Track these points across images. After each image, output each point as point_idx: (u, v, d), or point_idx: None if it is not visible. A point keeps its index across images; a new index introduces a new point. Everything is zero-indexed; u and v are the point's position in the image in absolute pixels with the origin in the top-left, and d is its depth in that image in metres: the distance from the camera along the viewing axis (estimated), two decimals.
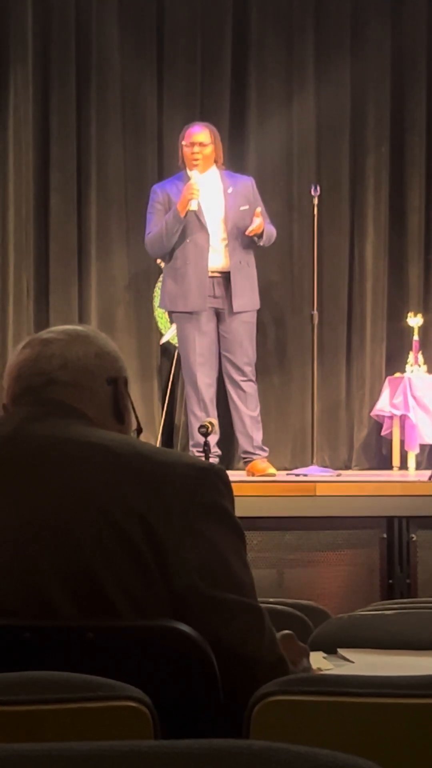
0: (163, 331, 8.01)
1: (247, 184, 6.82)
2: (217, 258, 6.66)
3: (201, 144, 6.67)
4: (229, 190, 6.70)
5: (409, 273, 8.33)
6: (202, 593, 1.90)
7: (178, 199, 6.61)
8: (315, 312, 7.10)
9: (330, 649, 2.50)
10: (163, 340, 8.02)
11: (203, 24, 8.19)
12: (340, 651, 2.48)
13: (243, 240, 6.68)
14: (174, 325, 8.00)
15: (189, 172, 6.67)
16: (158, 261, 8.01)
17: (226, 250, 6.66)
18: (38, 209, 7.94)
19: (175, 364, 8.03)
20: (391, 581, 5.66)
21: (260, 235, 6.60)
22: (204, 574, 1.91)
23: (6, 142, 7.80)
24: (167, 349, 8.09)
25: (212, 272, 6.65)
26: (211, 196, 6.67)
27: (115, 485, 1.93)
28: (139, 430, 2.22)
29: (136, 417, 2.19)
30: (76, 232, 8.00)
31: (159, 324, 8.02)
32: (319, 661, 2.37)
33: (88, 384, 2.10)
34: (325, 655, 2.46)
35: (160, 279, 8.02)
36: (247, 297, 6.69)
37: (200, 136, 6.69)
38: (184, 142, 6.73)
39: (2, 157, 7.82)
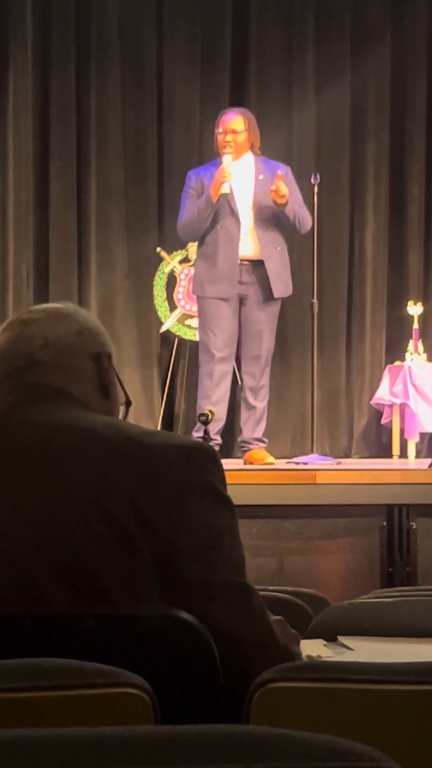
0: (163, 320, 8.01)
1: (282, 170, 6.77)
2: (247, 245, 6.63)
3: (234, 131, 6.64)
4: (260, 177, 6.67)
5: (409, 261, 8.34)
6: (192, 575, 1.90)
7: (210, 182, 6.58)
8: (315, 300, 7.09)
9: (330, 637, 2.50)
10: (163, 328, 8.02)
11: (203, 11, 8.18)
12: (341, 638, 2.48)
13: (274, 226, 6.64)
14: (174, 313, 8.00)
15: (222, 158, 6.65)
16: (158, 250, 8.02)
17: (255, 236, 6.63)
18: (38, 198, 7.94)
19: (175, 352, 8.03)
20: (391, 569, 5.66)
21: (284, 204, 6.52)
22: (195, 557, 1.90)
23: (5, 131, 7.80)
24: (167, 338, 8.09)
25: (241, 259, 6.62)
26: (242, 182, 6.64)
27: (104, 472, 1.92)
28: (128, 403, 2.21)
29: (124, 390, 2.18)
30: (76, 221, 7.99)
31: (159, 312, 8.02)
32: (319, 648, 2.38)
33: (70, 362, 2.08)
34: (325, 642, 2.46)
35: (160, 267, 8.02)
36: (284, 282, 6.68)
37: (233, 123, 6.66)
38: (218, 129, 6.69)
39: (2, 146, 7.81)
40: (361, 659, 2.15)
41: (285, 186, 6.52)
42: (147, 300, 8.03)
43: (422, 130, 8.35)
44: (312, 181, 7.11)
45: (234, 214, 6.60)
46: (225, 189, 6.53)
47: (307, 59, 8.26)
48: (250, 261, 6.62)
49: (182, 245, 7.92)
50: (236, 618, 1.91)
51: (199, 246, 6.73)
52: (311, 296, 7.16)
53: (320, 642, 2.46)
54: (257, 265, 6.62)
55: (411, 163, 8.36)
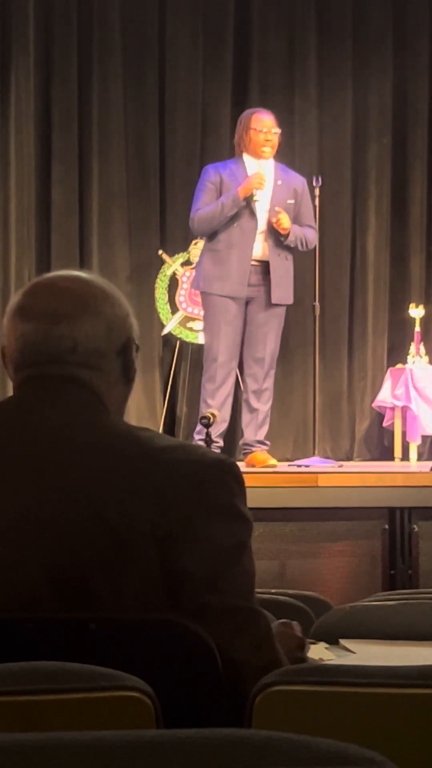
0: (164, 322, 8.01)
1: (298, 180, 6.77)
2: (260, 247, 6.61)
3: (274, 131, 6.65)
4: (279, 182, 6.66)
5: (411, 264, 8.34)
6: (198, 599, 1.86)
7: (231, 181, 6.53)
8: (317, 303, 7.09)
9: (332, 640, 2.50)
10: (165, 331, 8.02)
11: (205, 14, 8.19)
12: (342, 641, 2.49)
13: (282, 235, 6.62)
14: (176, 316, 8.00)
15: (257, 161, 6.60)
16: (160, 252, 8.02)
17: (265, 239, 6.61)
18: (40, 201, 7.94)
19: (177, 355, 8.03)
20: (392, 572, 5.66)
21: (285, 236, 6.54)
22: (199, 581, 1.86)
23: (7, 134, 7.80)
24: (169, 341, 8.09)
25: (253, 260, 6.59)
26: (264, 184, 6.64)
27: (118, 489, 1.87)
28: (137, 348, 2.13)
29: (136, 345, 2.11)
30: (78, 224, 8.00)
31: (161, 315, 8.02)
32: (321, 651, 2.38)
33: (98, 363, 2.02)
34: (326, 645, 2.46)
35: (162, 270, 8.02)
36: (284, 290, 6.63)
37: (270, 122, 6.64)
38: (255, 127, 6.61)
39: (4, 149, 7.82)
40: (363, 662, 2.15)
41: (287, 220, 6.52)
42: (149, 303, 8.04)
43: (424, 133, 8.36)
44: (314, 184, 7.11)
45: (253, 215, 6.57)
46: (256, 196, 6.52)
47: (309, 63, 8.26)
48: (260, 262, 6.61)
49: (185, 244, 7.92)
50: (241, 644, 1.87)
51: (209, 241, 6.68)
52: (313, 299, 7.15)
53: (322, 645, 2.46)
54: (266, 267, 6.60)
55: (413, 166, 8.36)
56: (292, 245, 6.62)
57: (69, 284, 2.07)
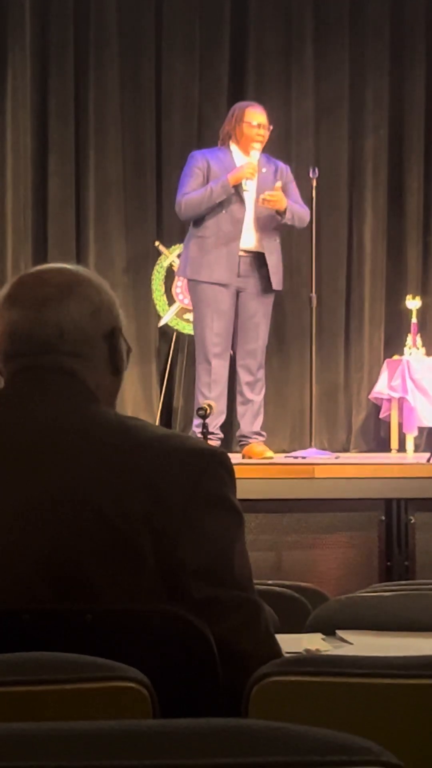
0: (161, 314, 8.01)
1: (282, 167, 6.78)
2: (248, 237, 6.60)
3: (266, 126, 6.64)
4: (263, 170, 6.66)
5: (408, 255, 8.34)
6: (198, 592, 1.86)
7: (220, 169, 6.53)
8: (313, 295, 7.08)
9: (329, 631, 2.51)
10: (162, 322, 8.02)
11: (202, 5, 8.18)
12: (339, 632, 2.49)
13: (272, 221, 6.62)
14: (172, 308, 8.00)
15: (249, 154, 6.60)
16: (156, 243, 8.02)
17: (256, 229, 6.61)
18: (36, 193, 7.94)
19: (174, 346, 8.03)
20: (389, 563, 5.67)
21: (282, 212, 6.55)
22: (202, 573, 1.86)
23: (4, 126, 7.79)
24: (166, 332, 8.09)
25: (241, 250, 6.58)
26: None
27: (111, 480, 1.87)
28: (128, 350, 2.11)
29: (126, 342, 2.10)
30: (75, 216, 7.99)
31: (157, 307, 8.02)
32: (317, 642, 2.38)
33: (85, 351, 2.02)
34: (323, 636, 2.47)
35: (158, 261, 8.02)
36: (280, 275, 6.64)
37: (263, 117, 6.65)
38: (247, 121, 6.60)
39: (0, 141, 7.80)
40: (359, 653, 2.15)
41: (283, 200, 6.52)
42: (145, 294, 8.03)
43: (421, 123, 8.35)
44: (310, 175, 7.10)
45: (242, 203, 6.57)
46: (246, 186, 6.52)
47: (306, 53, 8.25)
48: (249, 253, 6.60)
49: (181, 236, 7.90)
50: (244, 635, 1.88)
51: (195, 228, 6.66)
52: (310, 291, 7.15)
53: (318, 636, 2.47)
54: (256, 257, 6.60)
55: (409, 157, 8.36)
56: (289, 222, 6.62)
57: (55, 273, 2.10)
